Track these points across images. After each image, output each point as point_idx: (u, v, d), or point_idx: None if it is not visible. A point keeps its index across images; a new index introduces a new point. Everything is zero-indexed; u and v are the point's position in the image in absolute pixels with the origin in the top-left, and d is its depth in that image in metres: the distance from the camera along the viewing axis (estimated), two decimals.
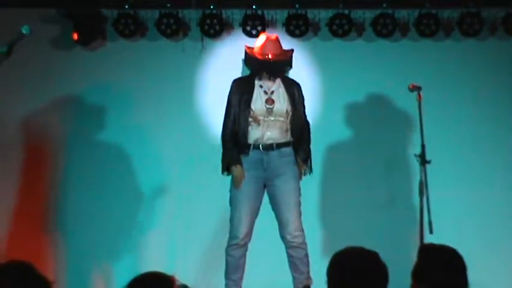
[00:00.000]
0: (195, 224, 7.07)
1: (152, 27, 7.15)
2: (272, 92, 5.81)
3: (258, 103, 5.76)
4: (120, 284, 2.64)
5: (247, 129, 5.74)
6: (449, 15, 7.18)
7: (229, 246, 5.82)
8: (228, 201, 5.83)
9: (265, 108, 5.75)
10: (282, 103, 5.78)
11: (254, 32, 7.04)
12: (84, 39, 7.13)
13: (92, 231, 7.09)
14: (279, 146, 5.76)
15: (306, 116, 5.89)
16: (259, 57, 5.78)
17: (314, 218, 7.09)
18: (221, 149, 5.86)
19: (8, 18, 6.89)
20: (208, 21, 7.09)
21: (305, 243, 5.75)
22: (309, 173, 5.88)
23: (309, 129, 5.90)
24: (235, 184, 5.76)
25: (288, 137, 5.78)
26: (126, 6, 7.08)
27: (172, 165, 7.16)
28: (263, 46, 5.80)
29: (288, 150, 5.78)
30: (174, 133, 7.17)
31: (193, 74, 7.18)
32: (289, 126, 5.79)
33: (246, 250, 5.82)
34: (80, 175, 7.18)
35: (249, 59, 5.88)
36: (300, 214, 5.77)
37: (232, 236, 5.80)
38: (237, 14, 7.16)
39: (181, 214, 7.11)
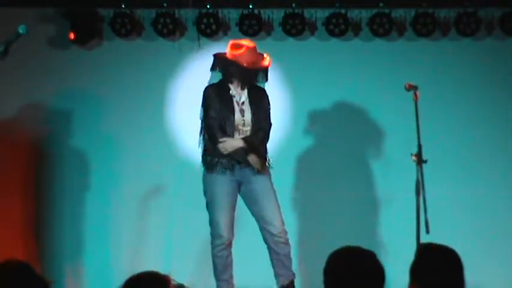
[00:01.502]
0: (191, 224, 7.05)
1: (149, 27, 7.15)
2: (243, 103, 5.84)
3: (236, 113, 5.80)
4: (115, 285, 2.63)
5: (233, 135, 5.78)
6: (446, 14, 7.18)
7: (214, 247, 5.82)
8: (205, 205, 5.85)
9: (241, 118, 5.80)
10: (248, 113, 5.82)
11: (250, 32, 7.04)
12: (80, 38, 7.13)
13: (77, 233, 7.10)
14: None
15: (269, 121, 5.89)
16: (244, 63, 5.76)
17: (311, 218, 7.10)
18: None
19: (5, 18, 6.88)
20: (204, 20, 7.09)
21: (289, 240, 5.80)
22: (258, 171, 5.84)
23: (265, 130, 5.87)
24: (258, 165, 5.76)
25: None
26: (123, 6, 7.08)
27: (168, 165, 7.16)
28: (242, 54, 5.77)
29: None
30: (172, 132, 7.17)
31: (190, 74, 7.17)
32: (249, 132, 5.83)
33: (231, 248, 5.83)
34: (73, 174, 7.18)
35: (224, 65, 5.85)
36: (280, 211, 5.81)
37: (216, 236, 5.79)
38: (233, 14, 7.16)
39: (177, 214, 7.11)
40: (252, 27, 7.06)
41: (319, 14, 7.18)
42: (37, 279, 2.81)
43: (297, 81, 7.15)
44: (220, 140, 5.76)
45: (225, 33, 7.20)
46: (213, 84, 5.93)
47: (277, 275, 5.82)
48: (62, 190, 7.16)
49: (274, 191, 5.84)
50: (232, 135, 5.79)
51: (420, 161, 5.77)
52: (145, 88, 7.20)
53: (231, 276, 5.86)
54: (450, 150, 7.19)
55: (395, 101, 6.97)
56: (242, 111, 5.82)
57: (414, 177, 5.75)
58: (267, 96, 5.94)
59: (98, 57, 7.21)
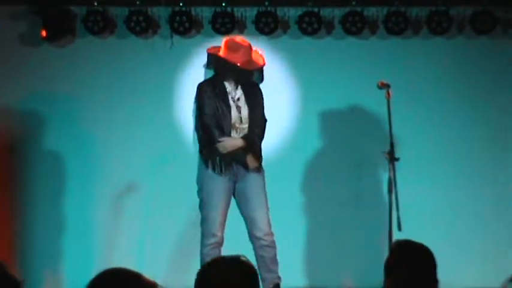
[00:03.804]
0: (164, 223, 7.05)
1: (121, 25, 7.12)
2: (238, 99, 5.82)
3: (233, 110, 5.77)
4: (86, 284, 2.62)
5: (230, 133, 5.76)
6: (418, 13, 7.22)
7: (205, 246, 5.76)
8: (198, 203, 5.82)
9: (238, 115, 5.77)
10: (244, 110, 5.81)
11: (223, 30, 7.03)
12: (52, 36, 7.09)
13: (54, 232, 7.07)
14: None
15: (263, 115, 5.90)
16: (232, 62, 5.75)
17: (284, 217, 7.11)
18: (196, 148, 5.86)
19: None
20: (177, 18, 7.08)
21: (275, 242, 5.76)
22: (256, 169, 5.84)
23: (262, 127, 5.88)
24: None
25: None
26: (95, 4, 7.05)
27: (141, 165, 7.13)
28: (236, 52, 5.75)
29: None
30: (143, 131, 7.15)
31: (163, 71, 7.16)
32: (247, 130, 5.81)
33: (222, 248, 5.79)
34: (47, 174, 7.14)
35: (218, 63, 5.83)
36: (268, 215, 5.79)
37: (208, 235, 5.75)
38: (206, 12, 7.15)
39: (150, 214, 7.09)
40: (225, 25, 7.05)
41: (292, 13, 7.19)
42: (8, 278, 2.78)
43: (269, 79, 7.14)
44: (220, 139, 5.72)
45: (198, 31, 7.19)
46: (207, 79, 5.91)
47: (262, 279, 5.68)
48: (35, 191, 7.13)
49: (265, 191, 5.82)
50: (229, 134, 5.75)
51: (392, 159, 5.80)
52: (118, 86, 7.17)
53: None
54: (422, 148, 7.23)
55: (368, 99, 7.00)
56: (238, 108, 5.80)
57: (387, 175, 5.78)
58: (261, 92, 5.93)
59: (70, 55, 7.17)
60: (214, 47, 5.91)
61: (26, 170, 7.15)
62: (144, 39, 7.18)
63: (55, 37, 7.11)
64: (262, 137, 5.87)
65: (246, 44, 5.82)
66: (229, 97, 5.79)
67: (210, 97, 5.76)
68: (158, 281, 2.68)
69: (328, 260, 7.11)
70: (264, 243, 5.70)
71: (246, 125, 5.79)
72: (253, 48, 5.92)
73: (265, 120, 5.91)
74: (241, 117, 5.79)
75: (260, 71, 5.89)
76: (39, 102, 7.15)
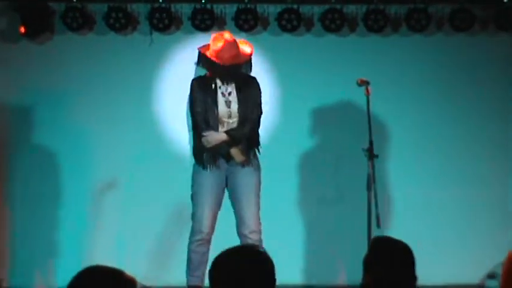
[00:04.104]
0: (144, 220, 7.04)
1: (100, 21, 7.09)
2: (230, 94, 5.80)
3: (221, 105, 5.77)
4: (66, 281, 2.61)
5: (217, 128, 5.74)
6: (397, 10, 7.24)
7: (192, 242, 5.77)
8: (190, 197, 5.82)
9: (226, 110, 5.76)
10: (234, 105, 5.79)
11: (203, 26, 7.02)
12: (31, 32, 7.05)
13: (37, 227, 7.05)
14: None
15: (259, 110, 5.88)
16: (217, 61, 5.73)
17: (262, 215, 7.11)
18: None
19: None
20: (157, 15, 7.06)
21: (261, 241, 5.75)
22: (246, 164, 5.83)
23: (253, 121, 5.85)
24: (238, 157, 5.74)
25: None
26: (74, 0, 7.02)
27: (121, 161, 7.12)
28: (221, 49, 5.74)
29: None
30: (122, 128, 7.13)
31: (142, 68, 7.15)
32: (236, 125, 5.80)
33: (210, 245, 5.79)
34: (24, 172, 7.11)
35: (205, 63, 5.83)
36: (258, 209, 5.80)
37: (196, 231, 5.75)
38: (186, 8, 7.14)
39: (130, 210, 7.08)
40: (205, 22, 7.04)
41: (272, 10, 7.20)
42: None
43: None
44: (204, 133, 5.73)
45: (178, 28, 7.18)
46: (199, 76, 5.92)
47: None
48: (13, 187, 7.10)
49: (257, 188, 5.80)
50: (216, 128, 5.75)
51: (371, 155, 5.82)
52: (98, 83, 7.15)
53: (204, 274, 5.76)
54: (401, 145, 7.25)
55: (347, 96, 7.02)
56: (228, 103, 5.78)
57: (366, 172, 5.80)
58: (257, 85, 5.90)
59: (49, 51, 7.14)
60: (204, 45, 5.89)
61: (3, 167, 7.11)
62: (124, 35, 7.16)
63: (34, 34, 7.07)
64: (252, 131, 5.83)
65: (230, 39, 5.80)
66: (220, 92, 5.79)
67: (199, 92, 5.78)
68: (138, 278, 2.68)
69: (308, 257, 7.13)
70: (249, 240, 5.69)
71: (235, 119, 5.78)
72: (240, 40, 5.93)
73: (259, 114, 5.87)
74: (230, 112, 5.78)
75: (248, 61, 5.87)
76: (17, 99, 7.12)
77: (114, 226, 7.10)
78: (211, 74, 5.81)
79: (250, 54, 5.88)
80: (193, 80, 5.90)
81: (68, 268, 6.69)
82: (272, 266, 2.86)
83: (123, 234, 7.08)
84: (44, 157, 7.09)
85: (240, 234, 5.78)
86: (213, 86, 5.79)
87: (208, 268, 5.57)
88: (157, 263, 7.05)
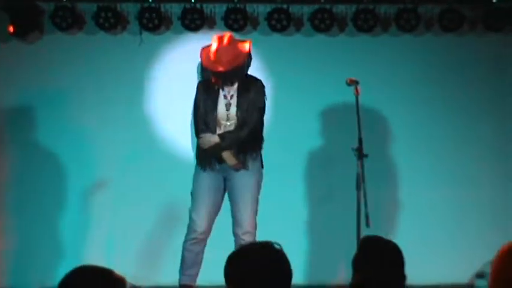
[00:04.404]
0: (134, 220, 7.03)
1: (90, 21, 7.08)
2: (231, 96, 5.80)
3: (220, 107, 5.77)
4: (57, 280, 2.61)
5: (215, 129, 5.74)
6: (387, 10, 7.26)
7: (186, 240, 5.79)
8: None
9: (225, 113, 5.76)
10: (233, 108, 5.78)
11: (193, 26, 7.02)
12: (20, 32, 7.04)
13: (28, 227, 7.03)
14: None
15: (259, 113, 5.83)
16: (214, 69, 5.74)
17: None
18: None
19: None
20: (147, 15, 7.05)
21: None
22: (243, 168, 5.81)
23: (251, 126, 5.81)
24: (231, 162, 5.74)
25: None
26: None
27: (111, 161, 7.11)
28: (214, 55, 5.74)
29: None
30: (113, 128, 7.12)
31: (132, 68, 7.14)
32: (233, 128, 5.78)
33: (205, 246, 5.81)
34: (16, 174, 7.10)
35: (204, 69, 5.84)
36: (254, 212, 5.79)
37: (190, 229, 5.78)
38: (175, 8, 7.13)
39: (120, 210, 7.07)
40: (195, 21, 7.04)
41: (261, 9, 7.20)
42: None
43: None
44: (200, 135, 5.75)
45: (167, 28, 7.18)
46: (205, 79, 5.90)
47: None
48: (2, 187, 7.10)
49: (253, 190, 5.78)
50: (214, 130, 5.76)
51: (361, 155, 5.83)
52: (87, 82, 7.14)
53: (197, 274, 5.79)
54: (391, 144, 7.27)
55: (336, 95, 7.03)
56: (228, 105, 5.78)
57: (355, 172, 5.81)
58: (260, 87, 5.86)
59: (38, 51, 7.12)
60: (205, 47, 5.89)
61: None
62: (113, 35, 7.15)
63: (23, 33, 7.06)
64: (250, 135, 5.78)
65: (224, 44, 5.78)
66: (222, 94, 5.80)
67: (203, 95, 5.81)
68: (128, 278, 2.69)
69: (297, 256, 7.13)
70: (242, 241, 5.66)
71: (233, 122, 5.77)
72: (236, 39, 5.91)
73: (258, 117, 5.82)
74: (228, 115, 5.78)
75: (247, 58, 5.84)
76: (6, 99, 7.10)
77: (104, 225, 7.09)
78: (214, 79, 5.82)
79: (249, 51, 5.88)
80: (198, 82, 5.93)
81: (58, 267, 6.71)
82: (288, 264, 2.86)
83: (114, 234, 7.07)
84: (34, 156, 7.08)
85: (234, 234, 5.80)
86: (216, 87, 5.80)
87: (201, 269, 5.58)
88: (147, 263, 7.04)
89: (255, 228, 5.81)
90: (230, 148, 5.75)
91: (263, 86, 5.91)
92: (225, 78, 5.79)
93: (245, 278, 2.79)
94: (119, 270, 2.67)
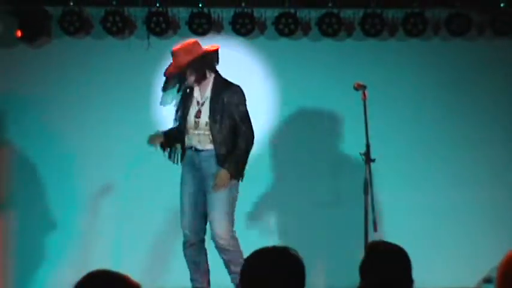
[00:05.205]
0: (140, 224, 7.04)
1: (98, 25, 7.10)
2: (203, 103, 5.71)
3: (191, 115, 5.70)
4: (65, 284, 2.61)
5: (184, 136, 5.72)
6: (394, 15, 7.25)
7: (183, 245, 5.80)
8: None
9: (193, 121, 5.68)
10: (205, 117, 5.67)
11: (200, 30, 7.03)
12: (28, 36, 7.05)
13: (30, 233, 7.05)
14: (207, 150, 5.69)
15: (244, 124, 5.65)
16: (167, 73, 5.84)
17: (261, 219, 7.12)
18: None
19: None
20: (154, 19, 7.06)
21: (230, 247, 5.63)
22: (240, 180, 5.72)
23: (245, 139, 5.65)
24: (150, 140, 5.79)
25: (213, 148, 5.65)
26: (71, 4, 7.02)
27: (117, 165, 7.12)
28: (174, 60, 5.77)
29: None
30: (119, 132, 7.13)
31: (139, 72, 7.15)
32: (211, 138, 5.64)
33: (201, 249, 5.78)
34: (22, 176, 7.12)
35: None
36: (226, 218, 5.63)
37: (183, 234, 5.79)
38: (183, 13, 7.15)
39: (126, 215, 7.08)
40: (202, 26, 7.05)
41: (269, 14, 7.20)
42: None
43: (244, 79, 7.15)
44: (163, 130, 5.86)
45: (175, 32, 7.19)
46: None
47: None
48: (10, 192, 7.11)
49: (222, 197, 5.61)
50: (182, 140, 5.74)
51: (368, 160, 5.82)
52: (94, 87, 7.15)
53: (202, 277, 5.76)
54: (399, 149, 7.26)
55: (344, 100, 7.02)
56: (198, 113, 5.69)
57: (363, 176, 5.81)
58: (235, 93, 5.68)
59: (46, 55, 7.14)
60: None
61: (1, 171, 7.12)
62: (121, 39, 7.16)
63: (31, 37, 7.07)
64: (250, 147, 5.66)
65: (174, 49, 5.74)
66: (195, 101, 5.74)
67: (181, 100, 5.78)
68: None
69: (304, 261, 7.12)
70: (221, 246, 5.63)
71: (202, 132, 5.65)
72: (183, 44, 5.83)
73: (247, 133, 5.65)
74: (197, 123, 5.67)
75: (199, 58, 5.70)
76: (14, 102, 7.12)
77: (109, 229, 7.09)
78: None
79: (205, 52, 5.75)
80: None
81: (65, 273, 6.72)
82: (303, 268, 2.88)
83: (119, 238, 7.08)
84: (41, 159, 7.09)
85: (212, 238, 5.73)
86: (191, 94, 5.73)
87: (207, 275, 5.55)
88: (154, 266, 7.04)
89: (228, 235, 5.65)
90: (238, 167, 5.62)
91: (240, 92, 5.71)
92: (180, 81, 5.73)
93: (260, 281, 2.81)
94: (125, 273, 2.67)
